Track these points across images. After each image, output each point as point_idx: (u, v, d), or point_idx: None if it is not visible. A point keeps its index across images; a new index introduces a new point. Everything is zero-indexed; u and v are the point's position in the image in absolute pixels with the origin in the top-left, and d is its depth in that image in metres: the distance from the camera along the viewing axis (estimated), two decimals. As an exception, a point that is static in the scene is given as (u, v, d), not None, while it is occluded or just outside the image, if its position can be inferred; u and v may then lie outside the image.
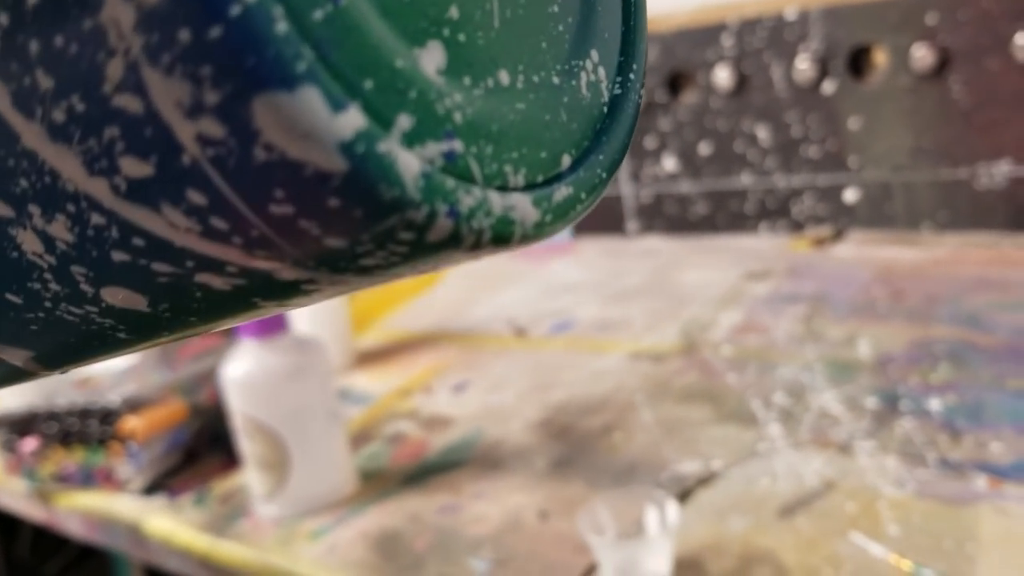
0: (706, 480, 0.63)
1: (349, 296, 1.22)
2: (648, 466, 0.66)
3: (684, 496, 0.61)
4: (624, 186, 1.26)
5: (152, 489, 0.77)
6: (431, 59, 0.13)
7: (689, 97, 1.18)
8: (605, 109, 0.18)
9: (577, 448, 0.70)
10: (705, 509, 0.59)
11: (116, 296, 0.15)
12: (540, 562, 0.57)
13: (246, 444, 0.68)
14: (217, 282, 0.14)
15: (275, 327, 0.67)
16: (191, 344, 0.93)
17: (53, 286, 0.15)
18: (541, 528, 0.61)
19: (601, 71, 0.18)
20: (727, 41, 1.11)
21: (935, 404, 0.67)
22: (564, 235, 1.33)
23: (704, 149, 1.17)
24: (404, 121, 0.12)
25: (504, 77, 0.15)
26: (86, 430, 0.78)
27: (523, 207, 0.15)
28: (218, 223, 0.13)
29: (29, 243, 0.14)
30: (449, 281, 1.27)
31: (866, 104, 1.05)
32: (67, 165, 0.13)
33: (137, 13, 0.11)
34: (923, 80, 1.00)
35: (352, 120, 0.11)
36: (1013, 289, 0.85)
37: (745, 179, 1.15)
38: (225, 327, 0.18)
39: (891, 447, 0.62)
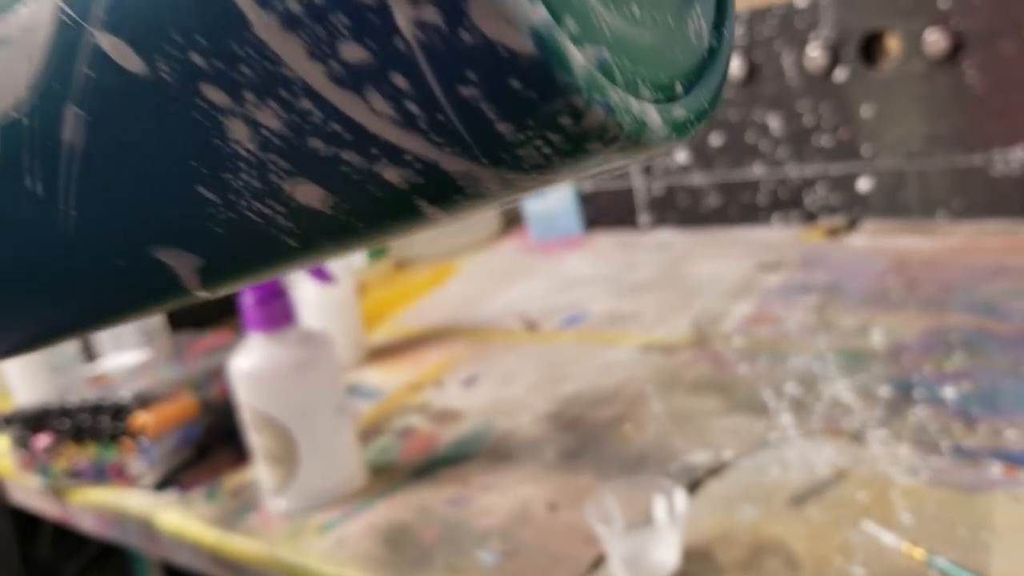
0: (716, 470, 0.62)
1: (361, 292, 1.22)
2: (658, 457, 0.65)
3: (694, 486, 0.61)
4: (636, 179, 1.25)
5: (163, 484, 0.78)
6: None
7: (700, 88, 1.17)
8: (706, 55, 0.21)
9: (587, 439, 0.70)
10: (715, 499, 0.59)
11: (301, 191, 0.17)
12: (548, 553, 0.56)
13: (254, 438, 0.68)
14: (393, 175, 0.16)
15: (283, 320, 0.67)
16: (201, 340, 0.93)
17: (245, 176, 0.17)
18: (550, 519, 0.60)
19: (703, 23, 0.21)
20: (737, 30, 1.10)
21: (950, 392, 0.66)
22: (576, 229, 1.32)
23: (715, 140, 1.17)
24: (570, 23, 0.15)
25: (636, 9, 0.18)
26: (98, 426, 0.78)
27: (652, 115, 0.17)
28: (412, 107, 0.15)
29: (235, 130, 0.16)
30: (461, 276, 1.26)
31: (879, 91, 1.03)
32: (291, 51, 0.15)
33: None
34: (936, 65, 0.98)
35: (540, 11, 0.14)
36: (1029, 276, 0.84)
37: (757, 170, 1.14)
38: (381, 243, 0.19)
39: (904, 435, 0.62)
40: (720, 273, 1.03)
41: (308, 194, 0.17)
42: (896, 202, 1.06)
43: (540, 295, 1.10)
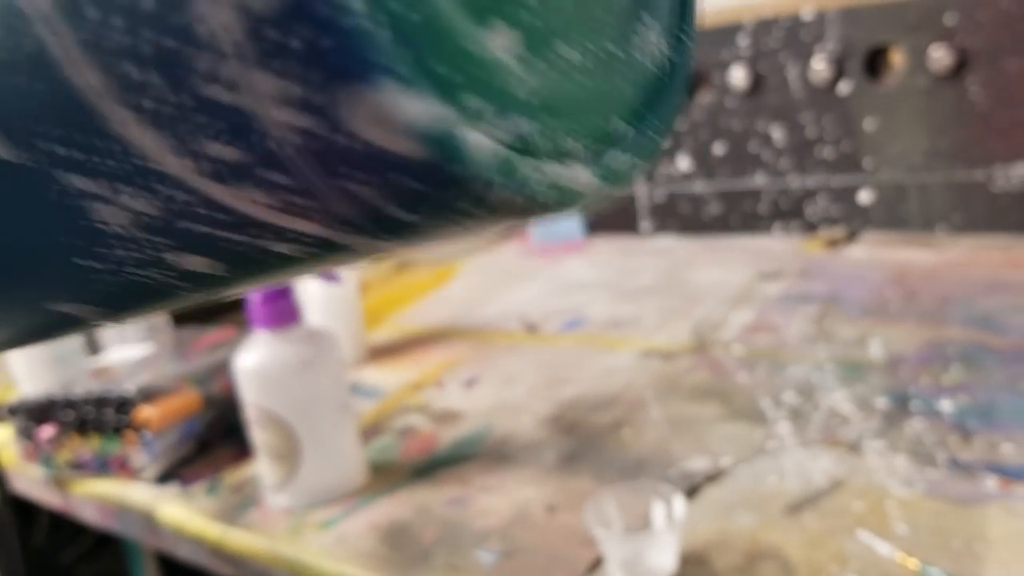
0: (714, 477, 0.63)
1: (362, 291, 1.23)
2: (656, 462, 0.66)
3: (692, 492, 0.61)
4: (638, 186, 1.26)
5: (165, 478, 0.78)
6: (496, 39, 0.13)
7: (704, 97, 1.18)
8: (658, 72, 0.18)
9: (586, 443, 0.71)
10: (712, 505, 0.60)
11: (195, 263, 0.16)
12: (547, 554, 0.57)
13: (257, 434, 0.69)
14: (285, 248, 0.15)
15: (288, 318, 0.68)
16: (205, 335, 0.94)
17: (122, 251, 0.16)
18: (548, 521, 0.61)
19: (655, 35, 0.18)
20: (743, 41, 1.11)
21: (946, 405, 0.67)
22: (578, 233, 1.33)
23: (718, 149, 1.17)
24: (473, 102, 0.13)
25: (564, 50, 0.15)
26: (102, 418, 0.79)
27: (583, 176, 0.15)
28: (300, 201, 0.14)
29: (105, 214, 0.15)
30: (463, 277, 1.27)
31: (882, 105, 1.04)
32: (154, 147, 0.14)
33: (243, 19, 0.12)
34: (940, 81, 0.99)
35: (427, 107, 0.12)
36: (1027, 292, 0.84)
37: (759, 179, 1.15)
38: (279, 281, 0.18)
39: (901, 447, 0.62)
40: (720, 281, 1.04)
41: (196, 263, 0.16)
42: (896, 215, 1.07)
43: (541, 298, 1.11)
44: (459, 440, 0.75)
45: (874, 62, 1.04)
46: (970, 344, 0.76)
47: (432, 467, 0.71)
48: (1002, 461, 0.59)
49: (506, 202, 0.13)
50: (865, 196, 1.08)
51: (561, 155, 0.15)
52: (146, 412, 0.76)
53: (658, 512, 0.55)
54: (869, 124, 1.06)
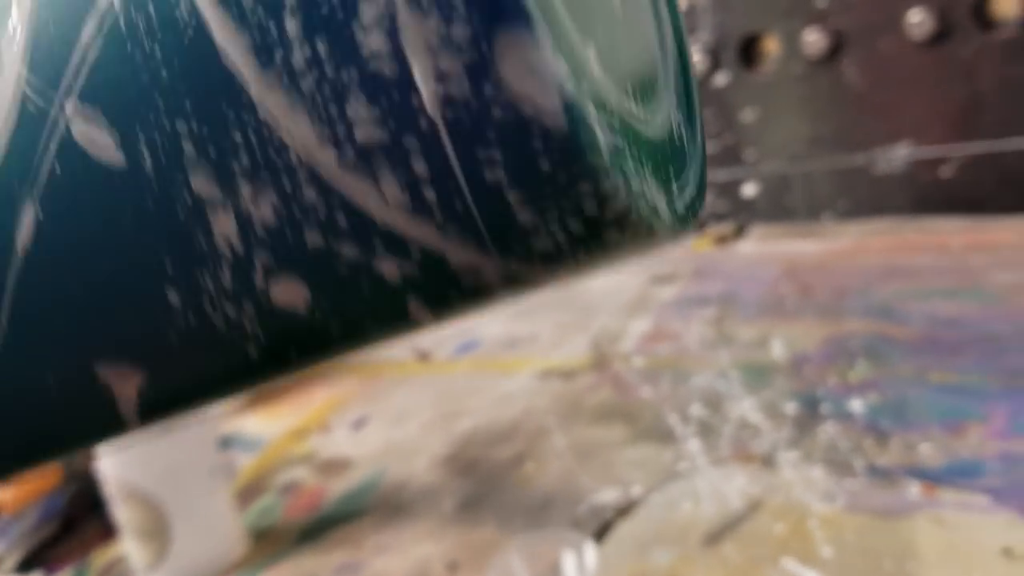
0: (626, 510, 0.58)
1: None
2: (564, 499, 0.61)
3: (603, 531, 0.57)
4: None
5: (27, 566, 0.70)
6: (593, 56, 0.14)
7: (581, 97, 1.14)
8: (684, 149, 0.20)
9: (487, 484, 0.65)
10: (626, 543, 0.55)
11: (282, 290, 0.15)
12: (451, 623, 0.52)
13: (120, 511, 0.61)
14: (390, 268, 0.15)
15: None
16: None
17: (225, 280, 0.15)
18: (451, 581, 0.55)
19: (682, 122, 0.20)
20: (616, 38, 1.08)
21: (857, 405, 0.64)
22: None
23: (601, 150, 1.14)
24: (590, 108, 0.13)
25: (636, 110, 0.17)
26: (-54, 507, 0.70)
27: (661, 203, 0.16)
28: (429, 195, 0.14)
29: (223, 226, 0.14)
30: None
31: (759, 94, 1.02)
32: (300, 130, 0.13)
33: None
34: (816, 65, 0.98)
35: (566, 70, 0.13)
36: (921, 276, 0.83)
37: (644, 178, 1.12)
38: (346, 355, 0.17)
39: (816, 456, 0.59)
40: (615, 288, 1.00)
41: (288, 293, 0.15)
42: (782, 206, 1.05)
43: (430, 322, 1.05)
44: (349, 493, 0.69)
45: (749, 50, 1.02)
46: (872, 336, 0.74)
47: (319, 527, 0.65)
48: (922, 463, 0.56)
49: (619, 207, 0.14)
50: (749, 189, 1.06)
51: (646, 176, 0.15)
52: (-6, 496, 0.68)
53: (568, 563, 0.50)
54: (748, 115, 1.03)
